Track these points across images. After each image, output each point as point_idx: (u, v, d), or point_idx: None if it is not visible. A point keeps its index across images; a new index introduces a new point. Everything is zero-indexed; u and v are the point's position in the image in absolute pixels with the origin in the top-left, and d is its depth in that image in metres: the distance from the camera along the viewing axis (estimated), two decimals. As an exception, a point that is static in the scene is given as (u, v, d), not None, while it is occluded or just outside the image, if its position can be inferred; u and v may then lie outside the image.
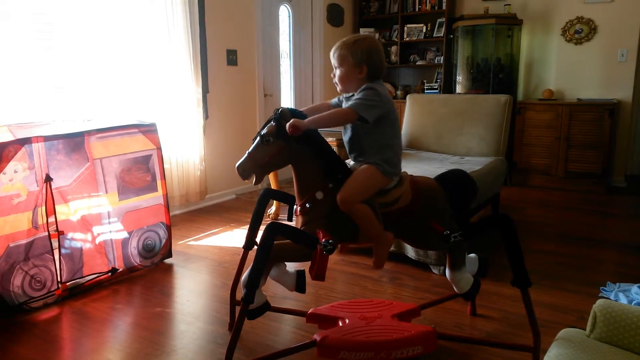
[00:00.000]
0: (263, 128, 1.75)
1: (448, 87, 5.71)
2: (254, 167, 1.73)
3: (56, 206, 2.36)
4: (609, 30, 4.89)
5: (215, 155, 4.33)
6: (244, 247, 2.08)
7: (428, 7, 5.73)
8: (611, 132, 4.65)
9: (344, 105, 1.83)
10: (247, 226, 2.06)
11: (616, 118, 4.77)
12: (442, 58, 5.73)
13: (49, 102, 3.11)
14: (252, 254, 1.79)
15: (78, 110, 3.23)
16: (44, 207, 2.32)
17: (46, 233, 2.33)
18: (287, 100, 5.48)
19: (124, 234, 2.67)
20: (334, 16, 5.80)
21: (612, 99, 4.84)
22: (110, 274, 2.61)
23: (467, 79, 5.38)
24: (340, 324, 1.89)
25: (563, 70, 5.17)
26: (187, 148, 3.88)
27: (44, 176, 2.32)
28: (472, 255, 2.06)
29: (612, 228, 3.76)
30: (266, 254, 1.59)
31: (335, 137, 3.59)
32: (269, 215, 3.82)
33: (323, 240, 1.63)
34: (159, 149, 2.83)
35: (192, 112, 3.90)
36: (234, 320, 2.05)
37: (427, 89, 5.77)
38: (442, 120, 3.95)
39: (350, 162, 1.91)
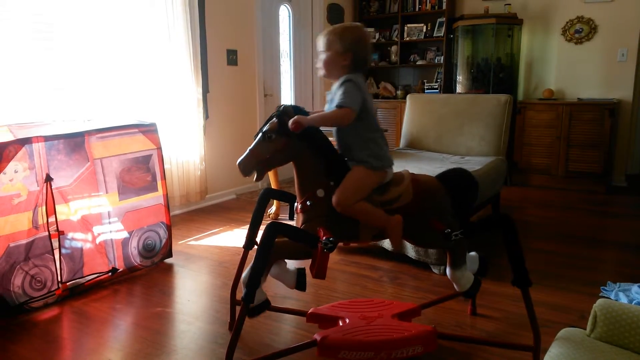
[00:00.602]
0: (265, 125, 1.74)
1: (448, 86, 5.71)
2: (255, 163, 1.72)
3: (56, 206, 2.36)
4: (609, 29, 4.89)
5: (216, 155, 4.33)
6: (244, 246, 2.08)
7: (428, 6, 5.73)
8: (611, 131, 4.65)
9: (329, 104, 1.81)
10: (247, 226, 2.06)
11: (616, 117, 4.77)
12: (442, 58, 5.73)
13: (49, 102, 3.11)
14: (252, 253, 1.79)
15: (78, 110, 3.23)
16: (44, 207, 2.32)
17: (46, 233, 2.33)
18: (287, 100, 5.48)
19: (124, 234, 2.67)
20: (334, 16, 5.81)
21: (613, 98, 4.84)
22: (110, 273, 2.61)
23: (467, 78, 5.38)
24: (341, 324, 1.88)
25: (563, 69, 5.17)
26: (187, 148, 3.88)
27: (44, 176, 2.32)
28: (473, 253, 2.06)
29: (612, 227, 3.76)
30: (267, 254, 1.59)
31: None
32: (269, 215, 3.82)
33: (324, 238, 1.63)
34: (159, 149, 2.83)
35: (193, 112, 3.90)
36: (235, 320, 2.05)
37: (427, 89, 5.77)
38: (443, 120, 3.95)
39: None
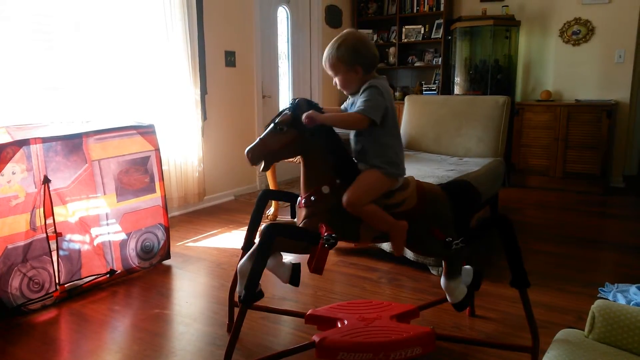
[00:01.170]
0: (277, 117, 1.74)
1: (446, 88, 5.72)
2: (264, 153, 1.71)
3: (54, 208, 2.35)
4: (607, 31, 4.90)
5: (214, 156, 4.32)
6: (242, 248, 2.07)
7: (426, 8, 5.74)
8: (609, 132, 4.67)
9: (350, 107, 1.83)
10: (246, 227, 2.06)
11: (614, 119, 4.78)
12: (440, 59, 5.74)
13: (47, 104, 3.10)
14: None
15: (76, 112, 3.22)
16: (42, 209, 2.31)
17: (44, 235, 2.32)
18: (285, 102, 5.48)
19: (122, 236, 2.67)
20: (332, 17, 5.81)
21: (610, 99, 4.86)
22: (108, 275, 2.60)
23: (465, 80, 5.39)
24: (339, 325, 1.88)
25: (561, 71, 5.18)
26: (185, 149, 3.88)
27: (42, 178, 2.31)
28: (468, 267, 2.06)
29: (610, 228, 3.77)
30: (265, 256, 1.58)
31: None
32: (268, 216, 3.81)
33: (326, 234, 1.62)
34: (157, 150, 2.83)
35: (191, 113, 3.89)
36: (233, 322, 2.05)
37: (425, 90, 5.78)
38: (441, 122, 3.96)
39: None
